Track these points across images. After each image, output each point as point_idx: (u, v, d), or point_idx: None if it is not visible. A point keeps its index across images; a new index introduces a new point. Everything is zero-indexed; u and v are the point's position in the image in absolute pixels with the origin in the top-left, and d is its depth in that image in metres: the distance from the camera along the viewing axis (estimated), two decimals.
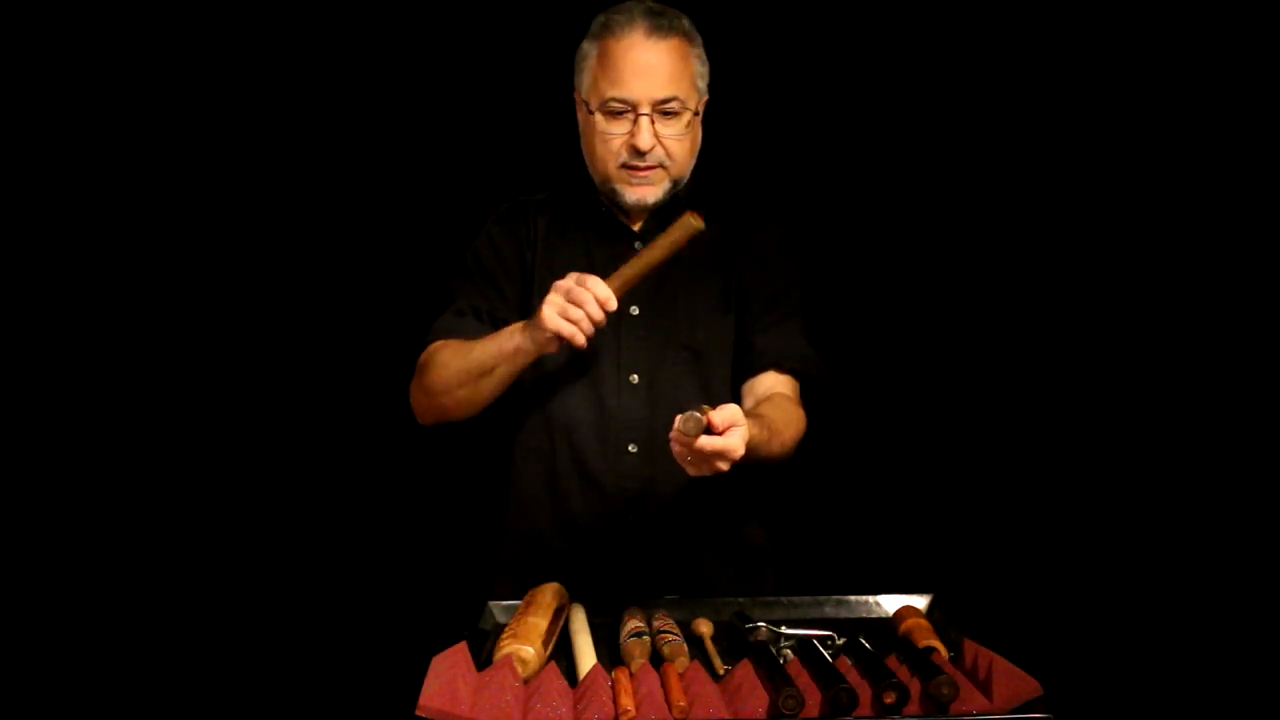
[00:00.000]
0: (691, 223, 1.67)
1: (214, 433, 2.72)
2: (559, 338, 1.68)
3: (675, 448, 1.55)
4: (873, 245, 2.75)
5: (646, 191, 1.87)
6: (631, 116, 1.82)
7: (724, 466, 1.55)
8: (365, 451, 2.75)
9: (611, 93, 1.81)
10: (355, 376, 2.69)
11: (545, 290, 1.92)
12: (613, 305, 1.65)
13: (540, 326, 1.68)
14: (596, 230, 1.96)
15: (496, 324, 1.92)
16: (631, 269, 1.70)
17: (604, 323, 1.68)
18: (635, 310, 1.92)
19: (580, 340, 1.66)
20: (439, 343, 1.90)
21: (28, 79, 2.58)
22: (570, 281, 1.67)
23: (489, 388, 1.83)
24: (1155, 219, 2.66)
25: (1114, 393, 2.71)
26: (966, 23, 2.66)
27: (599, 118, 1.84)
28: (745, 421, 1.56)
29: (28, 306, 2.62)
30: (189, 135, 2.65)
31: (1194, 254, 2.64)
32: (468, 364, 1.82)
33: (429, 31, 2.66)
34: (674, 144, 1.84)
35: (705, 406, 1.54)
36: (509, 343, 1.77)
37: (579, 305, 1.65)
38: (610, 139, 1.84)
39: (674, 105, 1.82)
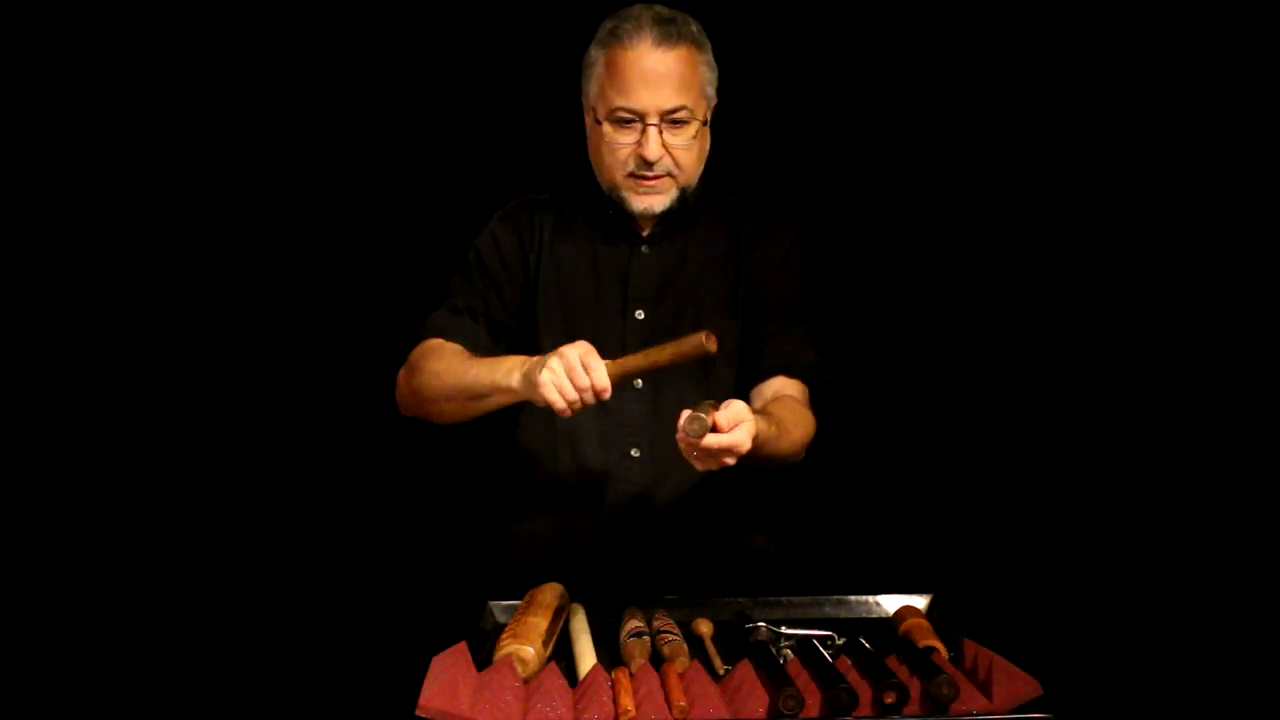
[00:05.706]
0: (704, 344, 1.58)
1: (213, 432, 2.72)
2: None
3: (681, 445, 1.55)
4: (872, 250, 2.75)
5: (654, 200, 1.86)
6: (639, 126, 1.80)
7: (731, 461, 1.55)
8: (365, 452, 2.75)
9: (619, 103, 1.79)
10: (357, 377, 2.68)
11: (549, 290, 1.93)
12: (608, 395, 1.61)
13: (535, 385, 1.62)
14: (603, 231, 1.95)
15: (491, 326, 1.92)
16: (635, 362, 1.64)
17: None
18: (640, 314, 1.92)
19: (567, 414, 1.62)
20: (434, 342, 1.88)
21: (28, 79, 2.58)
22: (574, 359, 1.59)
23: (478, 410, 1.80)
24: (1154, 222, 2.66)
25: (1113, 394, 2.71)
26: (974, 26, 2.66)
27: (606, 127, 1.83)
28: (751, 417, 1.56)
29: (27, 305, 2.62)
30: (211, 129, 2.67)
31: (1192, 255, 2.64)
32: (462, 384, 1.78)
33: (436, 27, 2.66)
34: (682, 153, 1.83)
35: (711, 404, 1.54)
36: (506, 379, 1.69)
37: (577, 387, 1.59)
38: (617, 149, 1.83)
39: (682, 115, 1.80)
